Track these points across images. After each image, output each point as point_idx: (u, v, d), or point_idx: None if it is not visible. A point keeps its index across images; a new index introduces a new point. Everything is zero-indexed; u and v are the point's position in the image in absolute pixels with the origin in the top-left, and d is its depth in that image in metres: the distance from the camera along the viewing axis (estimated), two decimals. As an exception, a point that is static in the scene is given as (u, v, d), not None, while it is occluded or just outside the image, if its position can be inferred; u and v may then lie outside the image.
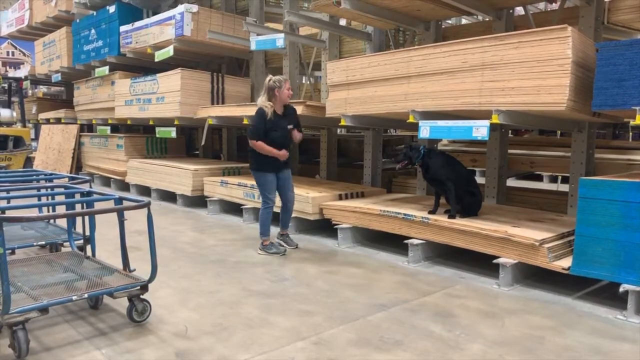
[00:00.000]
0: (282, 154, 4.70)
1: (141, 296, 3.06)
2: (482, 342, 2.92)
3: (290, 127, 4.81)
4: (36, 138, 12.16)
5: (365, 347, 2.83)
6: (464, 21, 8.67)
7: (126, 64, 9.32)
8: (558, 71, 3.58)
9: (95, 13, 9.78)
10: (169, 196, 7.73)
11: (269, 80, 4.67)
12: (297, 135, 4.90)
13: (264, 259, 4.61)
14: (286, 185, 4.89)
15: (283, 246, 4.88)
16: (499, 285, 3.88)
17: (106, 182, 9.57)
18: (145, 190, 8.25)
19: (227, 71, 9.03)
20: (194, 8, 7.49)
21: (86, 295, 2.91)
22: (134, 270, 3.25)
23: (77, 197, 3.61)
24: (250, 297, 3.59)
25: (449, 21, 8.15)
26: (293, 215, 5.63)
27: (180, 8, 7.49)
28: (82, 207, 3.59)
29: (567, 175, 5.15)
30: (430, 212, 4.59)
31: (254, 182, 6.34)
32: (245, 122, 6.58)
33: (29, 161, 10.37)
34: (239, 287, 3.82)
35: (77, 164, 10.29)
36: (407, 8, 5.40)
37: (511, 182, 7.05)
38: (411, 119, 4.53)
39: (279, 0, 8.77)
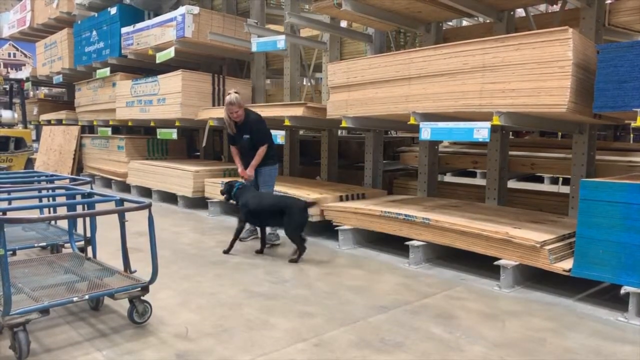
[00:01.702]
0: (241, 171, 5.24)
1: (142, 297, 3.06)
2: (482, 343, 2.92)
3: (246, 137, 5.13)
4: (37, 139, 12.18)
5: (366, 349, 2.83)
6: (464, 23, 8.68)
7: (127, 66, 9.33)
8: (559, 73, 3.58)
9: (96, 14, 9.79)
10: (170, 197, 7.73)
11: (227, 95, 5.12)
12: (258, 153, 5.14)
13: (264, 260, 4.61)
14: (260, 180, 5.28)
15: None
16: (499, 287, 3.88)
17: (107, 183, 9.58)
18: (146, 192, 8.26)
19: (228, 73, 9.04)
20: (195, 10, 7.51)
21: (87, 297, 2.91)
22: (135, 271, 3.25)
23: (78, 198, 3.61)
24: (250, 299, 3.59)
25: (450, 23, 8.14)
26: (294, 216, 5.64)
27: (182, 10, 7.50)
28: (83, 209, 3.60)
29: (568, 177, 5.14)
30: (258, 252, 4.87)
31: (254, 184, 6.41)
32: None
33: (30, 162, 10.38)
34: (240, 288, 3.82)
35: (78, 165, 10.30)
36: (408, 10, 5.40)
37: (512, 184, 7.04)
38: (412, 121, 4.53)
39: (279, 2, 8.79)
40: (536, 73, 3.71)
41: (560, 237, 3.93)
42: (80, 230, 4.07)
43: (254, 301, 3.54)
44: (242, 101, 5.12)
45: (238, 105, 5.03)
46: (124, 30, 8.86)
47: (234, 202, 5.04)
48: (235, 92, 5.08)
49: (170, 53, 7.70)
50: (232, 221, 6.43)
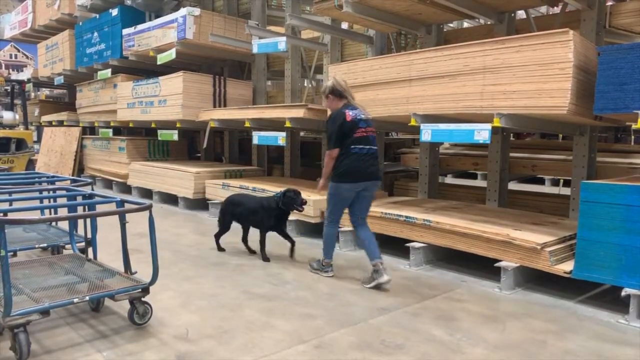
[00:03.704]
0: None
1: (142, 299, 3.06)
2: (483, 346, 2.92)
3: None
4: (38, 140, 12.20)
5: (367, 351, 2.82)
6: (465, 24, 8.68)
7: (128, 67, 9.34)
8: (559, 75, 3.59)
9: (98, 16, 9.82)
10: (171, 199, 7.73)
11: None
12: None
13: (265, 262, 4.60)
14: None
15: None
16: (500, 289, 3.87)
17: (108, 184, 9.59)
18: (147, 193, 8.26)
19: (229, 74, 9.05)
20: (197, 11, 7.52)
21: (87, 298, 2.91)
22: (136, 272, 3.25)
23: (79, 199, 3.61)
24: (251, 300, 3.59)
25: (451, 25, 8.15)
26: (295, 218, 5.65)
27: (183, 11, 7.52)
28: (84, 210, 3.60)
29: (569, 178, 5.14)
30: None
31: (255, 185, 6.41)
32: (247, 125, 6.59)
33: (31, 163, 10.41)
34: (240, 290, 3.82)
35: (79, 167, 10.31)
36: (409, 11, 5.41)
37: (513, 186, 7.04)
38: (412, 122, 4.53)
39: (281, 4, 8.80)
40: (537, 75, 3.71)
41: (561, 239, 3.93)
42: (81, 231, 4.07)
43: (254, 303, 3.54)
44: (333, 89, 4.04)
45: (323, 94, 4.16)
46: (125, 31, 8.88)
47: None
48: (334, 79, 4.11)
49: (171, 54, 7.71)
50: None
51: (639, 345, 2.95)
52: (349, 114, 3.92)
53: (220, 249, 4.97)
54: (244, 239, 4.93)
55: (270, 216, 4.65)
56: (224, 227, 4.96)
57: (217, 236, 4.99)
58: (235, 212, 4.88)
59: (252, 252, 4.86)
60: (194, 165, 7.94)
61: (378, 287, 3.87)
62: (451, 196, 6.41)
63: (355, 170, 3.92)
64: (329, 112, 4.18)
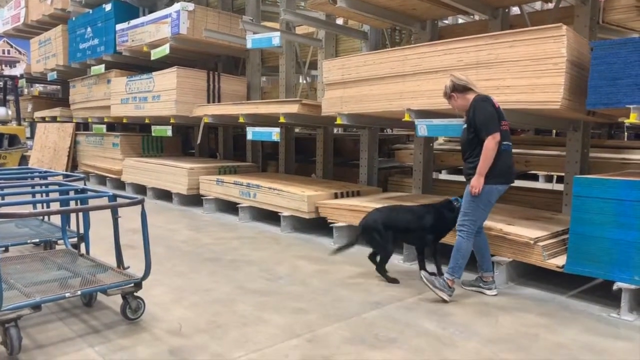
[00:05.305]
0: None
1: (135, 294, 3.05)
2: (476, 339, 2.92)
3: (464, 127, 3.63)
4: (32, 136, 12.13)
5: (360, 345, 2.83)
6: (460, 21, 8.69)
7: (122, 63, 9.30)
8: (553, 70, 3.59)
9: (91, 11, 9.76)
10: (165, 195, 7.71)
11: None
12: (482, 152, 3.41)
13: (259, 258, 4.60)
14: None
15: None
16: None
17: (102, 180, 9.54)
18: (141, 189, 8.23)
19: (223, 70, 9.02)
20: (190, 6, 7.48)
21: (79, 293, 2.90)
22: (128, 267, 3.24)
23: (72, 194, 3.59)
24: (245, 295, 3.58)
25: (446, 21, 8.15)
26: (289, 214, 5.65)
27: (177, 6, 7.48)
28: (77, 205, 3.58)
29: (562, 174, 5.16)
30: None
31: (250, 181, 6.40)
32: (241, 120, 6.57)
33: (24, 159, 10.35)
34: (234, 285, 3.81)
35: (73, 163, 10.27)
36: (403, 7, 5.40)
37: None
38: (406, 118, 4.53)
39: (275, -1, 8.78)
40: (530, 70, 3.71)
41: (554, 234, 3.94)
42: (73, 227, 4.05)
43: (248, 298, 3.54)
44: (455, 86, 3.54)
45: (445, 95, 3.63)
46: (118, 27, 8.83)
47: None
48: (451, 77, 3.59)
49: (165, 50, 7.68)
50: (227, 218, 6.43)
51: (630, 339, 2.97)
52: (495, 101, 3.49)
53: (391, 279, 3.96)
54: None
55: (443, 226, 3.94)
56: (388, 250, 4.02)
57: (382, 265, 4.02)
58: (396, 227, 4.00)
59: (394, 281, 3.96)
60: (188, 161, 7.92)
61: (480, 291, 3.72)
62: (445, 192, 6.40)
63: (509, 171, 3.50)
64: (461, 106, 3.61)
